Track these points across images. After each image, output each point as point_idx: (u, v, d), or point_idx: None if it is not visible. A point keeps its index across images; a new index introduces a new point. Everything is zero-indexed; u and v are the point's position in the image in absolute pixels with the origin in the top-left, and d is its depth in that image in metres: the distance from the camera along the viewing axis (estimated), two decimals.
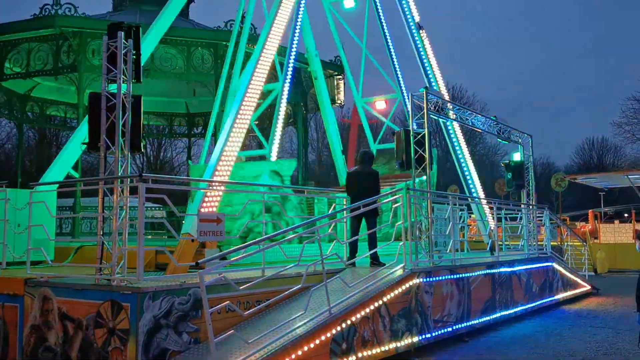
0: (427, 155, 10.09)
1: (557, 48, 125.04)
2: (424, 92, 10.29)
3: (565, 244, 17.73)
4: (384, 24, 17.03)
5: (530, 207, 14.80)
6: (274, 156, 12.32)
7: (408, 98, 15.56)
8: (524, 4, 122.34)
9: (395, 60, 16.94)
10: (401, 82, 16.80)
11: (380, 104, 17.48)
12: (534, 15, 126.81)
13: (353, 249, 9.78)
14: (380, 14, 16.85)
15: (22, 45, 15.79)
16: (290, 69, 13.03)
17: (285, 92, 12.71)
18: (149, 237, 16.38)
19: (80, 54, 15.13)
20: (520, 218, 14.27)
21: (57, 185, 9.98)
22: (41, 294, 7.14)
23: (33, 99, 20.59)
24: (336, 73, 17.92)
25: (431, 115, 10.73)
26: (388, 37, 16.94)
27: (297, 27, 12.89)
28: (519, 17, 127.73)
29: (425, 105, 10.21)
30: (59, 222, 18.56)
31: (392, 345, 8.15)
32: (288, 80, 12.72)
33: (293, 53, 13.28)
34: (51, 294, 7.07)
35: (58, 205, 19.43)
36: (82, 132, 11.17)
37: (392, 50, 16.99)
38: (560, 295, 14.70)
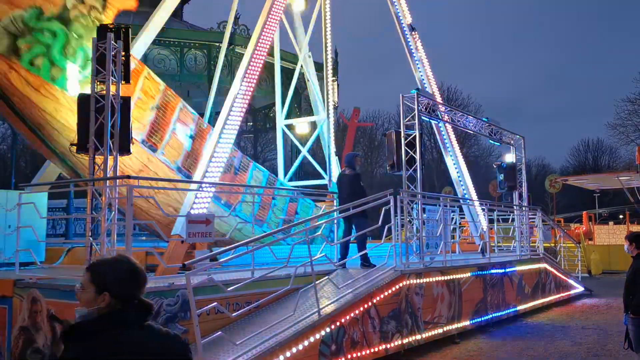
0: (418, 157, 10.12)
1: (556, 50, 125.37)
2: (415, 94, 10.31)
3: (559, 245, 17.74)
4: (329, 38, 15.68)
5: (523, 208, 14.82)
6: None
7: (334, 122, 15.59)
8: (523, 9, 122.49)
9: (329, 79, 15.74)
10: (330, 103, 15.70)
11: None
12: (533, 19, 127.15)
13: (343, 250, 9.79)
14: (328, 26, 15.69)
15: None
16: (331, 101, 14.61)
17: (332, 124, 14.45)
18: (143, 238, 16.31)
19: None
20: (512, 219, 14.29)
21: (47, 186, 9.96)
22: (30, 295, 7.12)
23: None
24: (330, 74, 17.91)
25: (422, 117, 10.76)
26: (329, 53, 15.84)
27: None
28: (519, 20, 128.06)
29: (416, 107, 10.23)
30: (52, 223, 18.50)
31: (382, 347, 8.16)
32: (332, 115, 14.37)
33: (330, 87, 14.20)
34: (40, 296, 7.05)
35: (52, 206, 19.36)
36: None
37: (329, 67, 15.80)
38: (553, 297, 14.72)
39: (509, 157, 15.30)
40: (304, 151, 15.49)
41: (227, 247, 6.82)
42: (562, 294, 15.23)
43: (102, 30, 7.37)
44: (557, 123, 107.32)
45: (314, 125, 16.41)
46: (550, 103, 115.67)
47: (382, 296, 8.26)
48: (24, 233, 7.96)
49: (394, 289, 8.54)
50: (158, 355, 2.23)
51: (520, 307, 12.80)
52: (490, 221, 13.50)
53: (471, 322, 10.67)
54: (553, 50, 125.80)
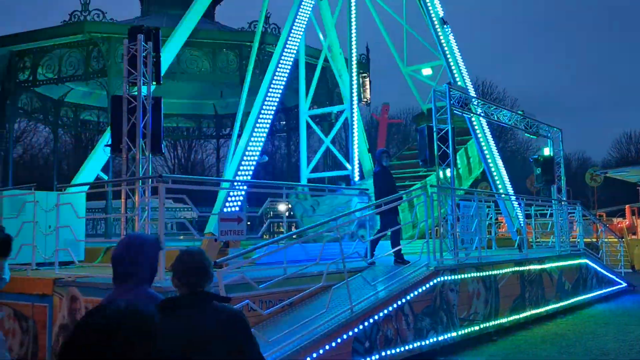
0: (450, 152, 9.97)
1: (596, 39, 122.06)
2: (447, 88, 10.16)
3: (600, 240, 17.25)
4: None
5: (562, 202, 14.46)
6: (356, 176, 13.84)
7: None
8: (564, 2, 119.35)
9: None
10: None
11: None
12: (571, 7, 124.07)
13: (373, 247, 9.72)
14: None
15: (54, 52, 16.14)
16: (354, 91, 14.75)
17: (356, 113, 14.62)
18: (181, 237, 16.53)
19: (109, 58, 15.37)
20: (551, 214, 13.95)
21: (84, 187, 10.18)
22: (69, 293, 7.29)
23: (67, 104, 21.04)
24: (361, 71, 17.84)
25: (455, 111, 10.59)
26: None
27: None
28: (557, 9, 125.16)
29: (448, 101, 10.08)
30: (92, 223, 18.97)
31: (417, 344, 8.07)
32: (356, 102, 14.49)
33: (354, 77, 14.84)
34: (78, 294, 7.21)
35: (92, 207, 19.86)
36: (109, 135, 11.39)
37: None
38: (594, 293, 14.32)
39: (547, 151, 14.95)
40: (327, 142, 15.96)
41: (259, 245, 6.85)
42: (604, 290, 14.81)
43: (133, 32, 7.49)
44: (599, 115, 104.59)
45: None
46: (591, 94, 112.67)
47: (415, 293, 8.17)
48: (63, 233, 8.13)
49: (428, 285, 8.43)
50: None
51: (561, 304, 12.49)
52: (528, 216, 13.21)
53: (509, 319, 10.46)
54: (593, 38, 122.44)
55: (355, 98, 15.12)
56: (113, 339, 1.10)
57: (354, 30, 15.33)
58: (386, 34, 18.30)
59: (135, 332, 1.12)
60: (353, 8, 15.21)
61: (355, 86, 15.37)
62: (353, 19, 15.24)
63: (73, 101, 20.96)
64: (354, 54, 15.56)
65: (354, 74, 15.49)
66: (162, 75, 8.09)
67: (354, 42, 15.37)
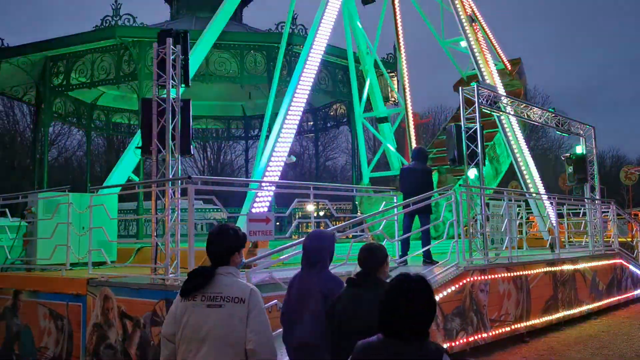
0: (479, 150, 9.85)
1: (632, 35, 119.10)
2: (475, 86, 10.04)
3: (636, 239, 16.82)
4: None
5: (595, 201, 14.15)
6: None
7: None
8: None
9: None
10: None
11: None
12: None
13: (405, 247, 9.65)
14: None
15: (86, 56, 16.48)
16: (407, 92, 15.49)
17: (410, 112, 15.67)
18: None
19: (140, 62, 15.61)
20: (584, 213, 13.67)
21: (116, 188, 10.37)
22: (102, 293, 7.43)
23: (99, 108, 21.49)
24: (389, 71, 17.76)
25: (483, 109, 10.46)
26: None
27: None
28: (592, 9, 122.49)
29: (476, 99, 9.96)
30: (124, 224, 19.28)
31: (446, 345, 7.99)
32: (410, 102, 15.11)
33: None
34: (111, 294, 7.35)
35: (124, 208, 20.23)
36: (139, 138, 11.57)
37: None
38: (630, 294, 14.01)
39: (579, 149, 14.65)
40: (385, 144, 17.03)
41: (288, 245, 6.88)
42: (639, 291, 14.46)
43: (162, 36, 7.60)
44: (633, 112, 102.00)
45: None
46: (626, 91, 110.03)
47: (445, 293, 8.10)
48: (96, 234, 8.29)
49: (457, 285, 8.36)
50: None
51: (594, 305, 12.24)
52: (560, 215, 12.98)
53: (541, 320, 10.30)
54: (628, 35, 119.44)
55: (409, 100, 16.25)
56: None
57: (400, 31, 16.02)
58: (421, 11, 17.91)
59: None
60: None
61: (408, 88, 16.40)
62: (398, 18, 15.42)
63: (105, 104, 21.39)
64: (403, 54, 16.61)
65: (405, 77, 16.49)
66: (190, 77, 8.20)
67: (402, 42, 16.30)
